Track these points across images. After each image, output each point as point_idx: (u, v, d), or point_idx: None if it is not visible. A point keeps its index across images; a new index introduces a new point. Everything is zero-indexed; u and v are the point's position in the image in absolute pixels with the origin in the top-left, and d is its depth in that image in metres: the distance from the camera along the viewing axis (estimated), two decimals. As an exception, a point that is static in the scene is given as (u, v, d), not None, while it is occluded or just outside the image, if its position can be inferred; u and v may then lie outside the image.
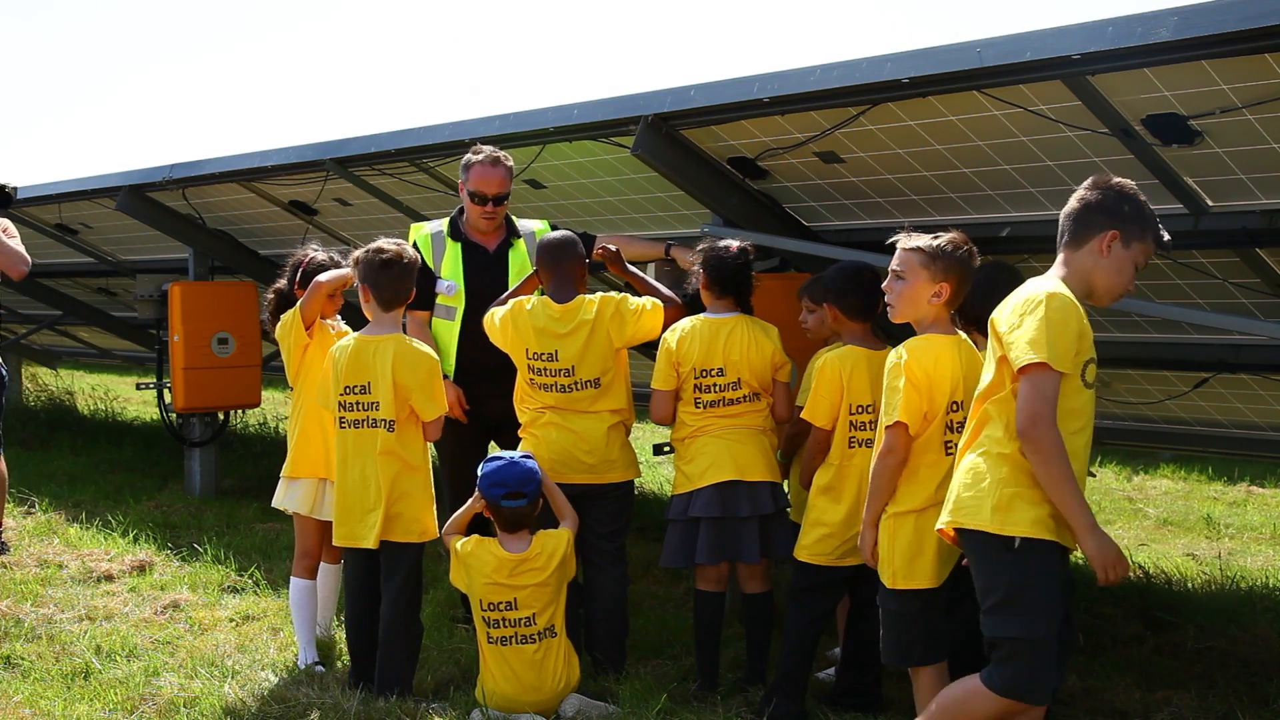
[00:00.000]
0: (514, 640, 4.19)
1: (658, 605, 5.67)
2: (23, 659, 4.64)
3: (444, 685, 4.46)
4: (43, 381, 13.72)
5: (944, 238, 3.62)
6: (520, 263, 5.04)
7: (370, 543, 4.23)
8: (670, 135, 4.79)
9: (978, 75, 3.83)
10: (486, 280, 4.95)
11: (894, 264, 3.65)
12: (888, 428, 3.58)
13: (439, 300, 5.00)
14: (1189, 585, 6.13)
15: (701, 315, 4.47)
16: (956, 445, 3.60)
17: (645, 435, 13.22)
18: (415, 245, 4.89)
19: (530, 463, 4.29)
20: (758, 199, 5.12)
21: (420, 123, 7.06)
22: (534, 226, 5.13)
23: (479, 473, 4.31)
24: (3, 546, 6.33)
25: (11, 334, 12.09)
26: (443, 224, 5.09)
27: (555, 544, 4.27)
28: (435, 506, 4.35)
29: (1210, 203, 4.14)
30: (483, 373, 4.87)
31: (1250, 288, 4.56)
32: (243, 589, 5.75)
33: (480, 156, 4.93)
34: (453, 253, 5.01)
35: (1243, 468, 10.11)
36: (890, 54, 3.99)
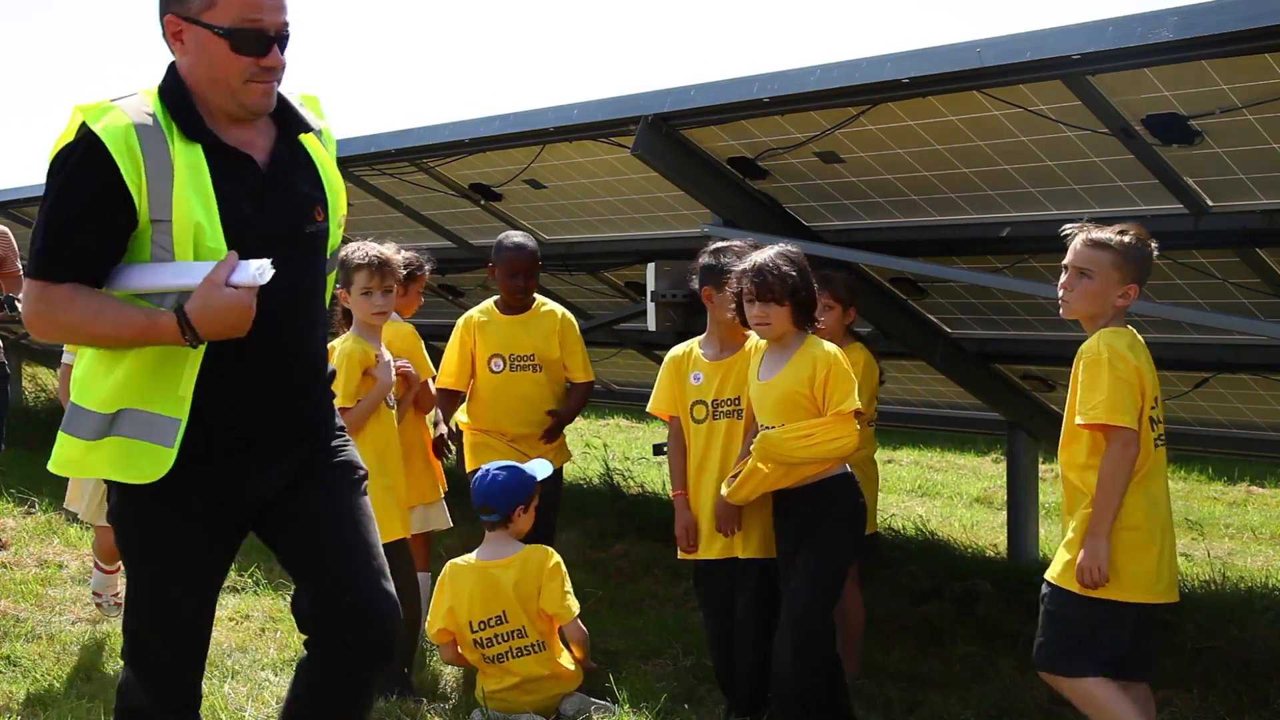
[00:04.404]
0: (509, 655, 4.18)
1: (658, 605, 5.67)
2: (23, 659, 4.64)
3: (444, 685, 4.46)
4: (42, 382, 13.71)
5: (1130, 232, 3.41)
6: (334, 186, 2.76)
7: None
8: (670, 135, 4.79)
9: (978, 75, 3.83)
10: (260, 223, 2.59)
11: (1081, 261, 3.41)
12: (1115, 428, 3.28)
13: (162, 281, 2.50)
14: (1189, 585, 6.13)
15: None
16: (1154, 439, 3.42)
17: (645, 435, 13.24)
18: (86, 138, 2.43)
19: (507, 478, 4.32)
20: (758, 199, 5.12)
21: (420, 123, 7.08)
22: (300, 100, 2.77)
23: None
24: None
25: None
26: (149, 104, 2.52)
27: (541, 560, 4.26)
28: None
29: (1210, 203, 4.14)
30: (248, 415, 2.65)
31: (1250, 288, 4.56)
32: (243, 589, 5.74)
33: None
34: (189, 165, 2.49)
35: (1243, 468, 10.11)
36: (890, 54, 3.98)
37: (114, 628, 5.02)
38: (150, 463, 2.50)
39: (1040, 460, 6.81)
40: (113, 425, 2.50)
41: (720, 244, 4.32)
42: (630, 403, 9.49)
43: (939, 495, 9.34)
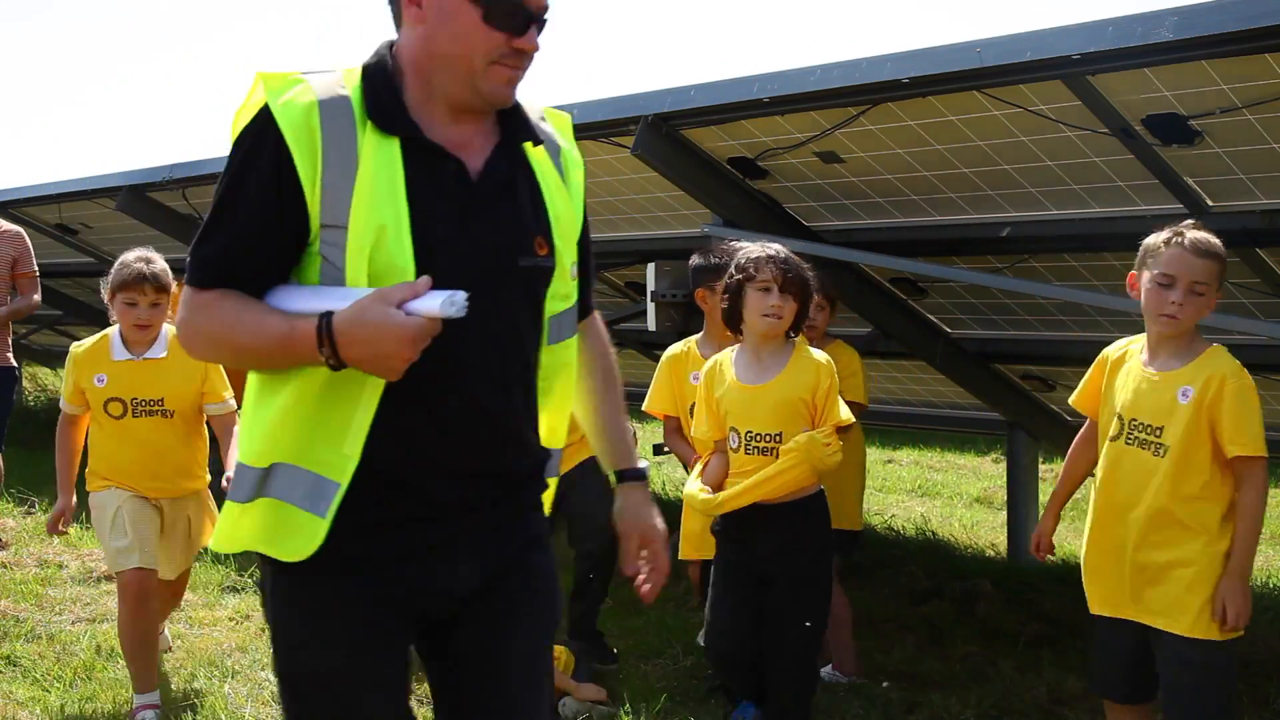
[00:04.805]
0: None
1: (658, 605, 5.66)
2: (23, 659, 4.64)
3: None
4: (43, 381, 13.71)
5: (1211, 235, 3.15)
6: (563, 217, 2.13)
7: None
8: (670, 135, 4.79)
9: (978, 75, 3.83)
10: (462, 244, 1.99)
11: (1199, 275, 3.12)
12: (1263, 459, 3.12)
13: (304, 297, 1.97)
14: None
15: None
16: None
17: (645, 435, 13.24)
18: (262, 117, 1.99)
19: None
20: (758, 199, 5.12)
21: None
22: (542, 113, 2.24)
23: None
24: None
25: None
26: (344, 84, 2.00)
27: None
28: None
29: (1210, 203, 4.14)
30: (429, 483, 2.03)
31: (1250, 288, 4.56)
32: (243, 589, 5.75)
33: None
34: (380, 161, 1.96)
35: (1243, 468, 10.11)
36: (890, 54, 3.99)
37: (114, 627, 5.02)
38: (300, 535, 1.96)
39: (1040, 460, 6.81)
40: (265, 483, 1.99)
41: (710, 247, 4.36)
42: (630, 403, 9.50)
43: (939, 495, 9.34)
